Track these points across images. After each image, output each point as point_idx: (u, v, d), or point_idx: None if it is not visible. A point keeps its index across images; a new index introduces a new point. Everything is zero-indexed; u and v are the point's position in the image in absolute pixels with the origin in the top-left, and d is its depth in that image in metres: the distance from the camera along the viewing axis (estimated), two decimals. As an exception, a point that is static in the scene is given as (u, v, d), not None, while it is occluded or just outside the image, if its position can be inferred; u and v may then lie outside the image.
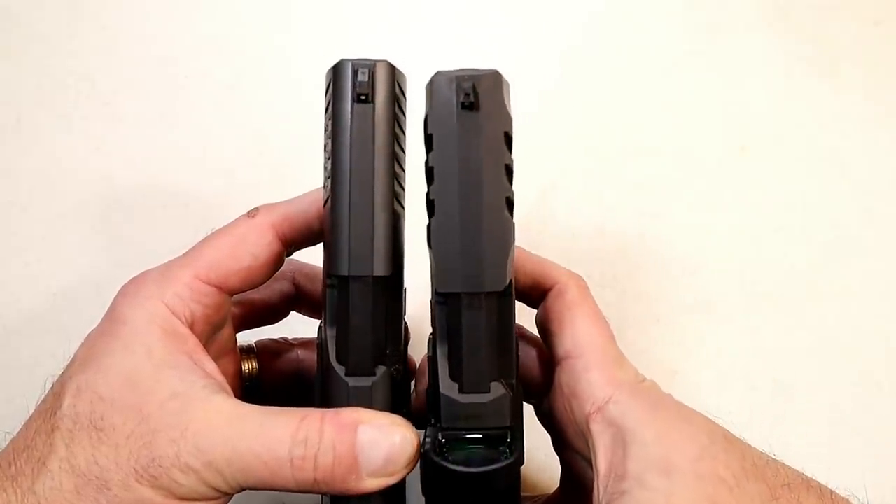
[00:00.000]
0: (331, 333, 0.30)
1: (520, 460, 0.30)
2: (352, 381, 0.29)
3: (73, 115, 0.52)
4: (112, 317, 0.31)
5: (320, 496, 0.31)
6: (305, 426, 0.27)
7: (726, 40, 0.61)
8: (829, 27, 0.61)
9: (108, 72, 0.54)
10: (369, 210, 0.29)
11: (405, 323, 0.33)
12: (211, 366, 0.30)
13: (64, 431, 0.27)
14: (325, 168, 0.30)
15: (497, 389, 0.29)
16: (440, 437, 0.29)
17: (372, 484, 0.28)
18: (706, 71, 0.60)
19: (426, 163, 0.29)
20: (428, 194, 0.29)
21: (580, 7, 0.61)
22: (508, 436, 0.29)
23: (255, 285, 0.33)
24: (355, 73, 0.28)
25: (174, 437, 0.26)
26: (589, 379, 0.30)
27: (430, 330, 0.32)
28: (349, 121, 0.28)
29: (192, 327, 0.30)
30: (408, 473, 0.29)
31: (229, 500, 0.29)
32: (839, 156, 0.57)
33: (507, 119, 0.29)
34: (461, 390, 0.29)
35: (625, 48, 0.60)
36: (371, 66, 0.29)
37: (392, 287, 0.30)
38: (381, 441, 0.28)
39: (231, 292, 0.32)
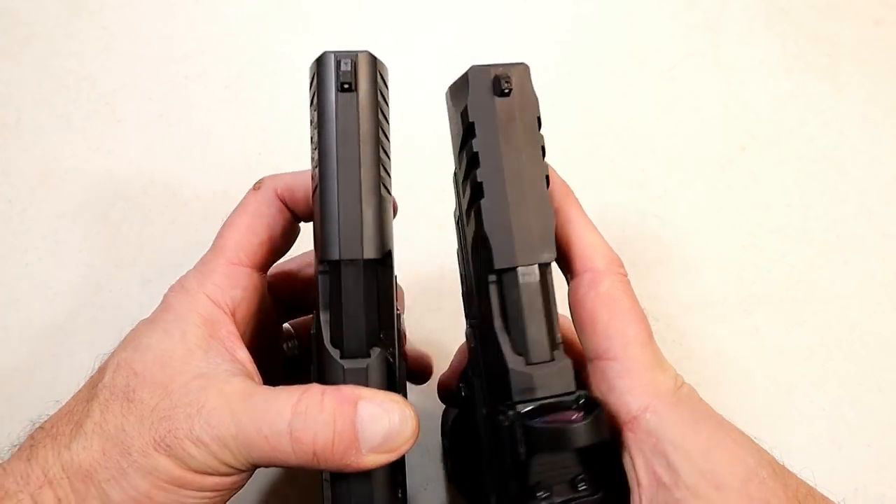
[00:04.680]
0: (324, 318, 0.30)
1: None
2: (347, 364, 0.29)
3: (73, 115, 0.52)
4: (161, 307, 0.32)
5: (322, 483, 0.31)
6: (306, 399, 0.28)
7: (726, 40, 0.61)
8: (829, 27, 0.62)
9: (108, 72, 0.54)
10: (357, 195, 0.29)
11: (402, 322, 0.33)
12: (242, 353, 0.31)
13: (101, 400, 0.29)
14: (313, 158, 0.30)
15: (559, 356, 0.30)
16: (518, 408, 0.29)
17: (371, 460, 0.28)
18: (706, 71, 0.60)
19: (470, 149, 0.30)
20: (474, 178, 0.30)
21: (581, 7, 0.61)
22: (582, 397, 0.29)
23: (281, 253, 0.35)
24: (338, 63, 0.29)
25: (190, 413, 0.28)
26: (623, 387, 0.29)
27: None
28: (334, 109, 0.29)
29: (234, 314, 0.32)
30: (407, 451, 0.29)
31: (247, 478, 0.30)
32: (839, 156, 0.57)
33: (537, 104, 0.31)
34: (528, 362, 0.29)
35: (625, 48, 0.60)
36: (353, 56, 0.30)
37: (382, 270, 0.31)
38: (381, 417, 0.28)
39: (262, 267, 0.34)
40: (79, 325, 0.47)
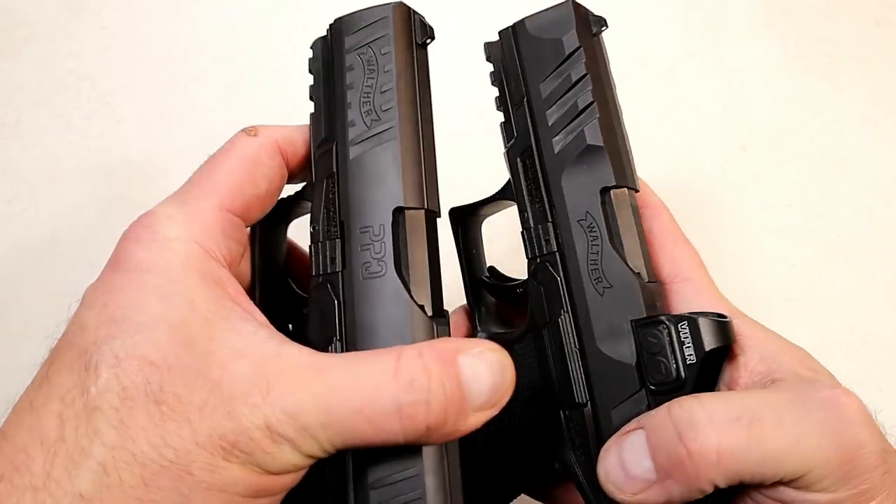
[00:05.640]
0: (399, 273, 0.27)
1: None
2: (435, 322, 0.27)
3: (73, 115, 0.52)
4: (126, 266, 0.25)
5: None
6: (406, 367, 0.23)
7: (726, 40, 0.61)
8: (829, 27, 0.61)
9: (108, 72, 0.54)
10: (433, 149, 0.29)
11: None
12: (259, 314, 0.25)
13: (108, 412, 0.21)
14: (373, 107, 0.29)
15: (655, 281, 0.31)
16: (670, 315, 0.29)
17: (476, 420, 0.24)
18: (706, 71, 0.60)
19: (579, 70, 0.31)
20: (586, 97, 0.31)
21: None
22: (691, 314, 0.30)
23: (265, 213, 0.29)
24: (419, 20, 0.30)
25: (256, 403, 0.22)
26: (704, 303, 0.30)
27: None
28: (413, 63, 0.29)
29: (230, 268, 0.26)
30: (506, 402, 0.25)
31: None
32: (839, 156, 0.57)
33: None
34: (649, 280, 0.30)
35: (625, 48, 0.60)
36: (422, 17, 0.30)
37: None
38: (484, 371, 0.23)
39: (249, 223, 0.28)
40: (79, 325, 0.47)
